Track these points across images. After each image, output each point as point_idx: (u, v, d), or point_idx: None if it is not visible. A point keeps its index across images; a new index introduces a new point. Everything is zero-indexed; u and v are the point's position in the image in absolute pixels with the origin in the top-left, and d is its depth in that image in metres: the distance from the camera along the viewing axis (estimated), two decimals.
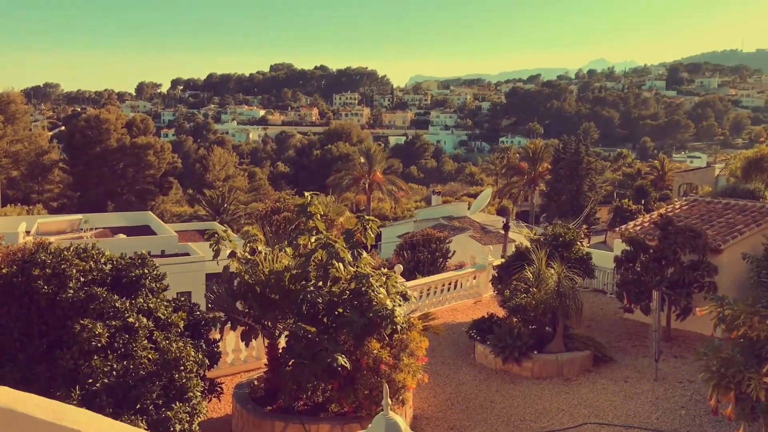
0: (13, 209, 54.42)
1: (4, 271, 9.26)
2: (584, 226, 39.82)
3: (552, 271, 15.29)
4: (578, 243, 19.00)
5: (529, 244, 18.80)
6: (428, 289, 20.15)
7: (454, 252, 28.85)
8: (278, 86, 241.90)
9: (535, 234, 22.03)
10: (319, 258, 11.27)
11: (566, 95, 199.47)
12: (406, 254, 27.65)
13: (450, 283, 21.00)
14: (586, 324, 17.97)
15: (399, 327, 10.83)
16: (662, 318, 15.63)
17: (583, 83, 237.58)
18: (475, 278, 21.81)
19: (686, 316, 16.34)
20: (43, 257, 9.22)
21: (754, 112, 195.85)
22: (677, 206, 20.96)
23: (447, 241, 28.74)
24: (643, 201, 56.67)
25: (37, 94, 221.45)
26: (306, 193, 12.27)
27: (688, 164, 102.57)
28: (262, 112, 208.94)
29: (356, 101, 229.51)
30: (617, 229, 21.16)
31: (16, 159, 70.76)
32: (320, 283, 11.14)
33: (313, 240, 11.73)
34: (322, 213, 12.34)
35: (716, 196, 26.40)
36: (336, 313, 10.94)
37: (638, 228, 19.31)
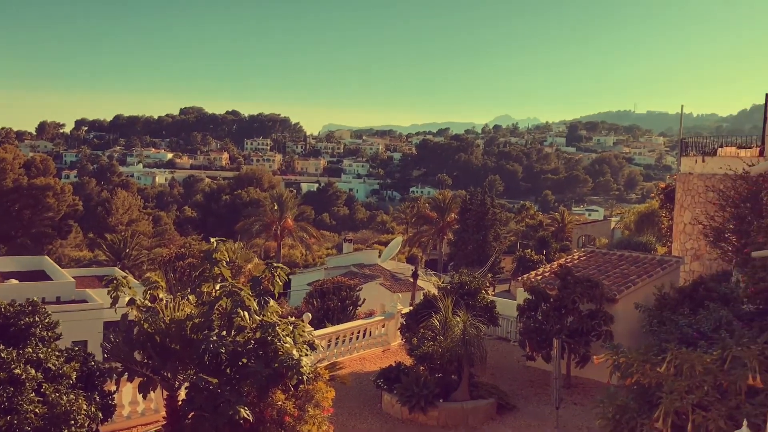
0: None
1: None
2: (489, 275, 40.74)
3: (458, 319, 15.55)
4: (483, 291, 19.46)
5: (436, 292, 19.07)
6: (337, 338, 19.98)
7: (365, 300, 28.80)
8: (188, 130, 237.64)
9: (442, 282, 22.37)
10: (224, 306, 11.00)
11: (473, 149, 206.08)
12: (315, 302, 27.35)
13: (359, 332, 20.92)
14: (491, 372, 18.27)
15: (305, 377, 10.64)
16: (563, 365, 16.11)
17: (489, 138, 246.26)
18: (384, 326, 21.83)
19: (585, 363, 16.92)
20: None
21: (646, 169, 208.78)
22: (576, 257, 21.88)
23: (357, 288, 28.68)
24: (544, 251, 58.71)
25: None
26: (212, 239, 12.02)
27: (586, 217, 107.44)
28: (169, 156, 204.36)
29: (268, 147, 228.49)
30: (520, 278, 21.82)
31: None
32: (224, 333, 10.83)
33: (217, 287, 11.46)
34: (228, 259, 12.09)
35: (612, 248, 27.79)
36: (240, 363, 10.65)
37: (540, 277, 19.99)
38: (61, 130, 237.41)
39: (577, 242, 63.39)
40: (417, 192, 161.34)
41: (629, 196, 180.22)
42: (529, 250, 57.93)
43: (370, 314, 25.77)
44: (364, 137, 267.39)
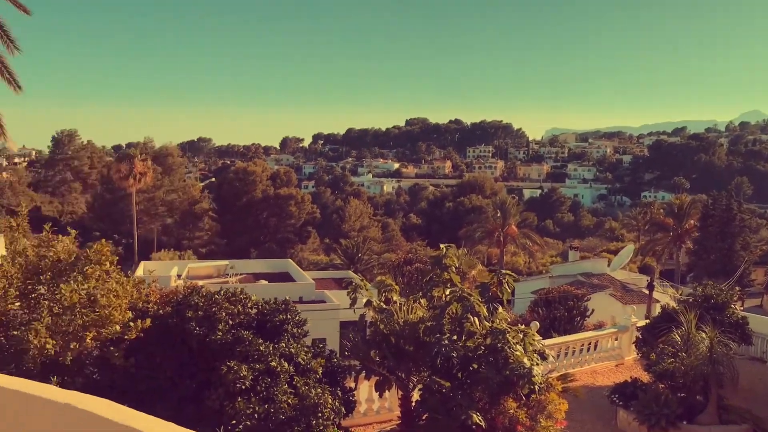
0: (166, 254, 58.85)
1: (160, 312, 9.92)
2: (737, 288, 36.85)
3: (703, 335, 14.25)
4: (732, 306, 17.66)
5: (675, 305, 17.69)
6: (566, 349, 19.36)
7: (593, 311, 27.60)
8: (413, 140, 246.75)
9: (682, 294, 20.71)
10: (454, 311, 11.16)
11: (715, 148, 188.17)
12: (540, 311, 26.79)
13: (589, 344, 20.09)
14: (743, 395, 16.45)
15: (537, 387, 10.43)
16: None
17: (734, 136, 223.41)
18: (616, 339, 20.75)
19: None
20: (196, 300, 9.79)
21: None
22: None
23: (585, 299, 27.59)
24: None
25: (191, 148, 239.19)
26: (441, 245, 12.28)
27: None
28: (396, 165, 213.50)
29: (490, 154, 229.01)
30: None
31: (171, 207, 76.75)
32: (455, 337, 11.00)
33: (447, 292, 11.66)
34: (456, 265, 12.26)
35: None
36: (470, 368, 10.73)
37: None
38: (301, 144, 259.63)
39: None
40: (649, 197, 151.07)
41: None
42: None
43: (599, 326, 24.66)
44: (590, 140, 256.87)
